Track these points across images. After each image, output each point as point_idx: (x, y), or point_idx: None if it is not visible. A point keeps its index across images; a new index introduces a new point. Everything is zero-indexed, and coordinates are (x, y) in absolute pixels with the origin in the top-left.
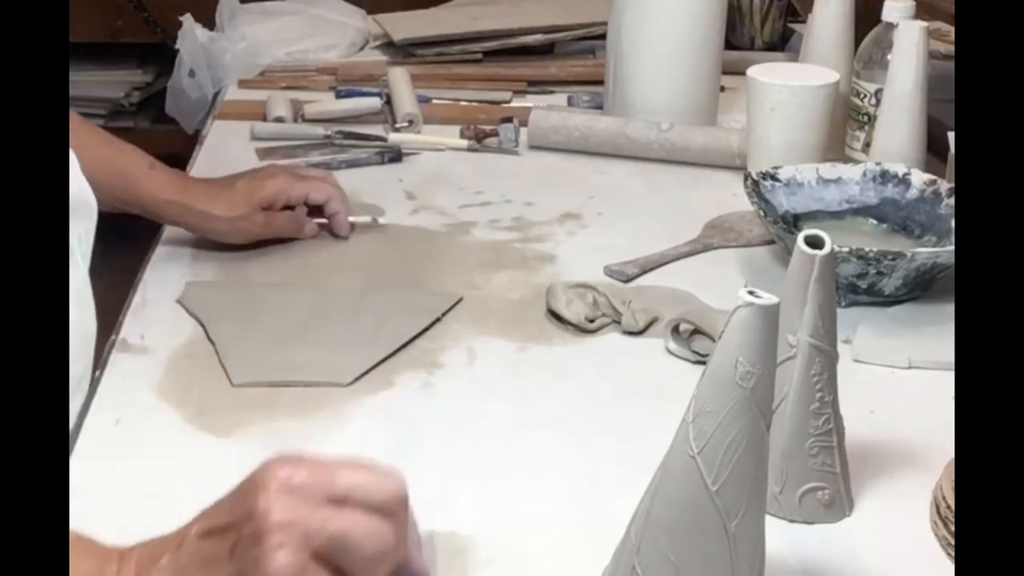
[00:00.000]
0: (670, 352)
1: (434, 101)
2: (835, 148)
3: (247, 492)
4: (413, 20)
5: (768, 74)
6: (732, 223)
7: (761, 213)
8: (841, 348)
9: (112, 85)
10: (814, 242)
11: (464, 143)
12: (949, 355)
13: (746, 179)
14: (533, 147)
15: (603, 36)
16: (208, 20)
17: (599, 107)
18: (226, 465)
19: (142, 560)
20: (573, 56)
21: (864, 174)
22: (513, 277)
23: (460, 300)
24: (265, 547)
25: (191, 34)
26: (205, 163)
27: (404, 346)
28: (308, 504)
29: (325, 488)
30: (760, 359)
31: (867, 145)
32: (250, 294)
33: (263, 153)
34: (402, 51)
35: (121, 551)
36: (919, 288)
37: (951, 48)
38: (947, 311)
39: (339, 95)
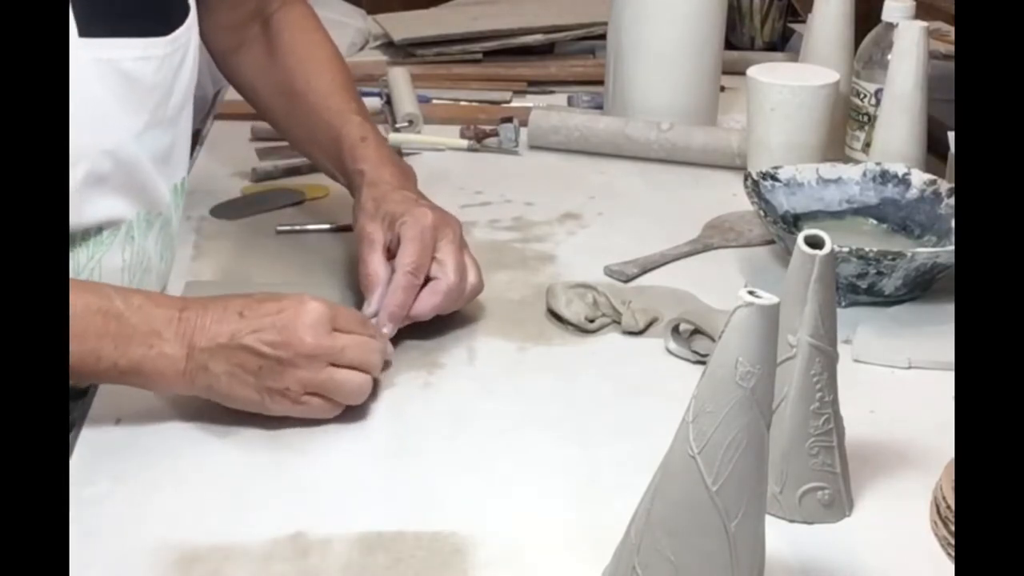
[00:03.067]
0: (670, 352)
1: (434, 101)
2: (835, 148)
3: (285, 329)
4: (413, 20)
5: (768, 74)
6: (732, 223)
7: (761, 213)
8: (841, 348)
9: None
10: (814, 242)
11: (464, 143)
12: (949, 355)
13: (746, 179)
14: (533, 147)
15: (603, 36)
16: None
17: (599, 107)
18: (226, 465)
19: (197, 330)
20: (573, 56)
21: (864, 174)
22: (513, 277)
23: None
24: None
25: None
26: (205, 163)
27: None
28: (313, 367)
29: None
30: (760, 359)
31: (867, 145)
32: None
33: (263, 153)
34: (402, 51)
35: (183, 307)
36: (919, 288)
37: (951, 48)
38: (947, 311)
39: None
